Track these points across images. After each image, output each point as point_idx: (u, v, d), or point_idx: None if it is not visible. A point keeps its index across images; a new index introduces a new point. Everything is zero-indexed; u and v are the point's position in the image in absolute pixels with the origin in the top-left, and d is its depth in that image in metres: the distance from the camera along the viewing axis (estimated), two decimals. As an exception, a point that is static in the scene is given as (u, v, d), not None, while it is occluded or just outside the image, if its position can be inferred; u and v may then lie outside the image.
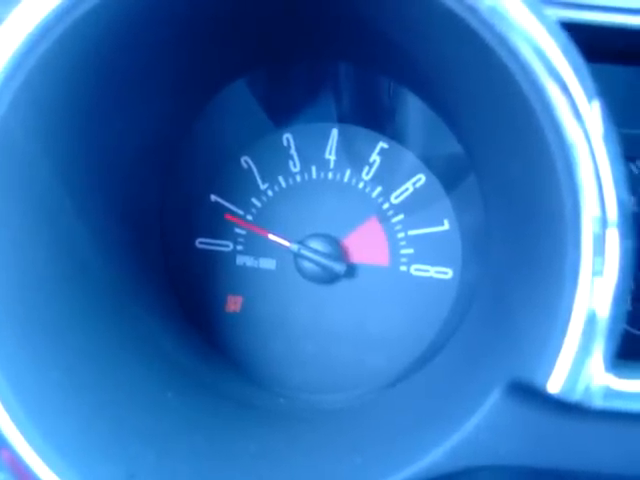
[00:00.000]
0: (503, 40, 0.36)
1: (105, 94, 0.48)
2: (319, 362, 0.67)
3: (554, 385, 0.35)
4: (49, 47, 0.40)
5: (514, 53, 0.36)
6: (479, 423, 0.36)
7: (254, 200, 0.67)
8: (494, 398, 0.36)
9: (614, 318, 0.35)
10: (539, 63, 0.35)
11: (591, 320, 0.35)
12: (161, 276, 0.66)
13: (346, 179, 0.67)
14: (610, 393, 0.35)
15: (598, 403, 0.35)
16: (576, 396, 0.35)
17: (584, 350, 0.35)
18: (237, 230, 0.68)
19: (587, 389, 0.35)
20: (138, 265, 0.60)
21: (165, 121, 0.62)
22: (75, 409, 0.42)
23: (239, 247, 0.68)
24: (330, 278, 0.65)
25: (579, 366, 0.35)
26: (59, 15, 0.39)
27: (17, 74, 0.40)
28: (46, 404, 0.40)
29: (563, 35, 0.36)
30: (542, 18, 0.36)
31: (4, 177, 0.41)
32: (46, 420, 0.40)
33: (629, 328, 0.65)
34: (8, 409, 0.39)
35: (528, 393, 0.35)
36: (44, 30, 0.39)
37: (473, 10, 0.36)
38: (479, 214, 0.60)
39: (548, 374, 0.35)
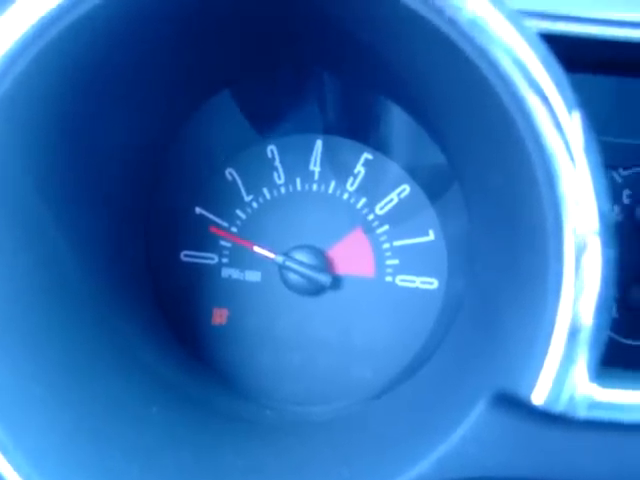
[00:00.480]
0: (483, 52, 0.36)
1: (87, 108, 0.48)
2: (306, 374, 0.67)
3: (538, 396, 0.35)
4: (29, 63, 0.40)
5: (494, 65, 0.36)
6: (465, 435, 0.36)
7: (239, 212, 0.67)
8: (479, 409, 0.36)
9: (597, 327, 0.35)
10: (519, 75, 0.36)
11: (574, 330, 0.35)
12: (146, 289, 0.66)
13: (331, 190, 0.67)
14: (594, 403, 0.35)
15: (582, 413, 0.35)
16: (560, 407, 0.35)
17: (568, 360, 0.35)
18: (222, 242, 0.68)
19: (571, 399, 0.35)
20: (122, 278, 0.60)
21: (149, 133, 0.62)
22: (56, 424, 0.41)
23: (224, 259, 0.68)
24: (316, 290, 0.65)
25: (563, 376, 0.35)
26: (39, 29, 0.39)
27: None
28: (26, 419, 0.40)
29: (543, 46, 0.36)
30: (522, 30, 0.36)
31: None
32: (26, 435, 0.39)
33: (616, 336, 0.65)
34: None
35: (513, 404, 0.35)
36: (24, 44, 0.39)
37: (453, 22, 0.36)
38: (464, 224, 0.60)
39: (532, 385, 0.35)
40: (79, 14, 0.39)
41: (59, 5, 0.39)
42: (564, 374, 0.35)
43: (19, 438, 0.39)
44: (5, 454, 0.38)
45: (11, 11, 0.39)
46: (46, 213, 0.47)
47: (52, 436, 0.40)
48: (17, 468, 0.38)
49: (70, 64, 0.42)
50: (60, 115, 0.45)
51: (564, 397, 0.35)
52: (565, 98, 0.36)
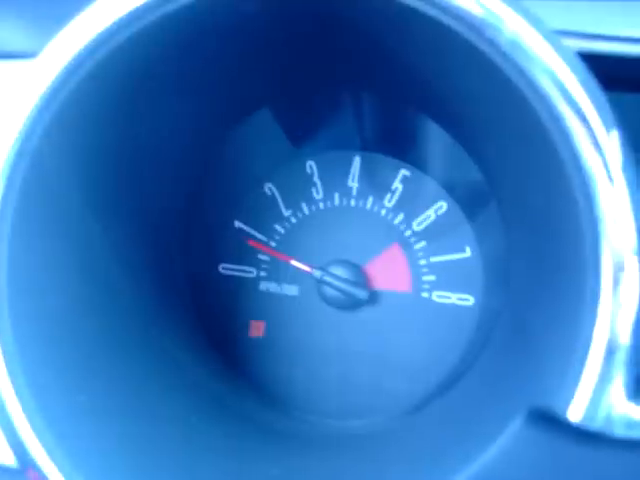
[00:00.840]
0: (522, 72, 0.36)
1: (134, 124, 0.49)
2: (341, 388, 0.67)
3: (575, 413, 0.35)
4: (82, 78, 0.41)
5: (533, 85, 0.36)
6: (500, 451, 0.36)
7: (277, 226, 0.68)
8: (515, 426, 0.36)
9: (635, 346, 0.35)
10: (558, 94, 0.36)
11: (611, 348, 0.35)
12: (185, 301, 0.67)
13: (368, 206, 0.67)
14: (631, 422, 0.35)
15: (619, 432, 0.35)
16: (597, 424, 0.35)
17: (604, 378, 0.35)
18: (260, 256, 0.69)
19: (608, 418, 0.35)
20: (163, 291, 0.61)
21: (191, 149, 0.63)
22: (101, 433, 0.42)
23: (262, 273, 0.69)
24: (352, 304, 0.66)
25: (599, 394, 0.35)
26: (92, 48, 0.41)
27: (51, 104, 0.41)
28: (73, 428, 0.41)
29: (581, 66, 0.36)
30: (561, 50, 0.36)
31: (35, 205, 0.42)
32: (74, 443, 0.40)
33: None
34: (37, 432, 0.39)
35: (549, 421, 0.35)
36: (79, 61, 0.41)
37: (493, 43, 0.36)
38: (500, 241, 0.60)
39: (568, 402, 0.35)
40: (142, 25, 0.41)
41: (121, 18, 0.40)
42: (601, 392, 0.35)
43: (67, 446, 0.40)
44: (54, 461, 0.39)
45: (81, 16, 0.40)
46: (94, 227, 0.48)
47: (98, 444, 0.42)
48: (65, 475, 0.39)
49: (123, 75, 0.43)
50: (112, 130, 0.46)
51: (601, 415, 0.35)
52: (603, 117, 0.36)
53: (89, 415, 0.43)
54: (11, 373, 0.40)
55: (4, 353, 0.41)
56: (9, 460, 0.46)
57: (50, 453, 0.39)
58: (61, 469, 0.39)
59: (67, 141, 0.43)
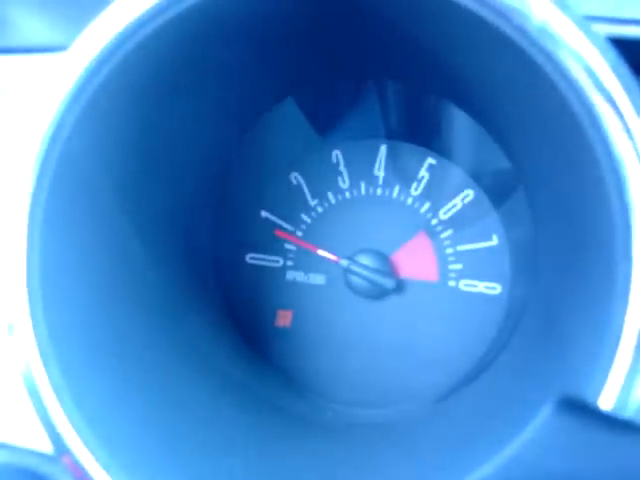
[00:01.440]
0: (552, 59, 0.36)
1: (164, 114, 0.50)
2: (367, 377, 0.67)
3: (606, 401, 0.35)
4: (112, 69, 0.42)
5: (563, 71, 0.36)
6: (529, 440, 0.36)
7: (304, 216, 0.68)
8: (545, 413, 0.36)
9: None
10: (588, 80, 0.36)
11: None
12: (213, 291, 0.67)
13: (395, 195, 0.67)
14: (663, 410, 0.35)
15: (651, 420, 0.35)
16: (629, 413, 0.35)
17: (636, 366, 0.35)
18: (287, 246, 0.69)
19: (640, 406, 0.35)
20: (191, 281, 0.62)
21: (217, 139, 0.64)
22: (133, 418, 0.43)
23: (289, 262, 0.69)
24: (379, 293, 0.66)
25: (631, 381, 0.35)
26: (120, 41, 0.41)
27: (81, 97, 0.42)
28: (105, 413, 0.42)
29: (612, 51, 0.36)
30: (591, 35, 0.36)
31: (68, 197, 0.43)
32: (106, 429, 0.41)
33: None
34: (70, 418, 0.40)
35: (579, 409, 0.35)
36: (109, 52, 0.41)
37: (522, 30, 0.36)
38: (528, 229, 0.60)
39: (599, 390, 0.35)
40: (169, 17, 0.41)
41: (148, 10, 0.41)
42: (632, 380, 0.35)
43: (100, 431, 0.40)
44: (88, 447, 0.40)
45: (109, 9, 0.41)
46: (123, 218, 0.49)
47: (128, 430, 0.42)
48: (100, 462, 0.40)
49: (152, 67, 0.44)
50: (141, 121, 0.47)
51: (632, 403, 0.35)
52: (634, 103, 0.35)
53: (121, 400, 0.43)
54: (44, 359, 0.41)
55: (37, 339, 0.41)
56: (47, 447, 0.46)
57: (83, 439, 0.40)
58: (95, 455, 0.40)
59: (97, 134, 0.43)
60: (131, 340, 0.47)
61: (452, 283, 0.66)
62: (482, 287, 0.65)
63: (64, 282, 0.43)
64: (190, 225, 0.63)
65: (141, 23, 0.41)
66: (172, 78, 0.47)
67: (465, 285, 0.66)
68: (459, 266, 0.66)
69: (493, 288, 0.65)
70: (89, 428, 0.40)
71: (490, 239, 0.65)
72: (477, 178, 0.66)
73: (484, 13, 0.37)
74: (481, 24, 0.38)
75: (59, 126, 0.41)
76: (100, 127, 0.43)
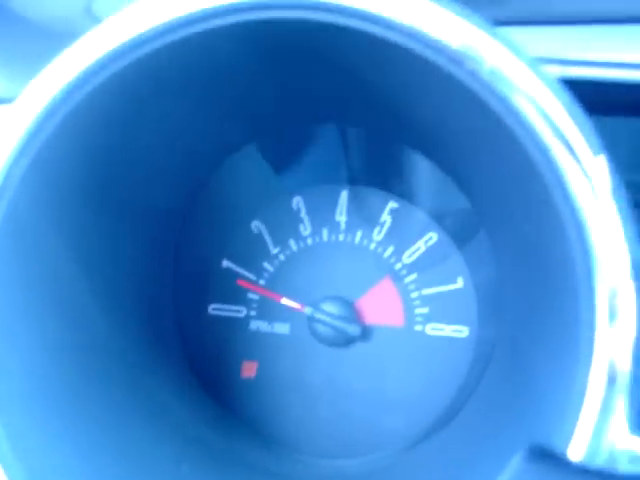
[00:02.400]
0: (505, 101, 0.36)
1: (117, 163, 0.49)
2: (337, 426, 0.66)
3: (576, 451, 0.34)
4: (59, 122, 0.41)
5: (516, 114, 0.36)
6: (501, 491, 0.35)
7: (266, 264, 0.67)
8: (514, 464, 0.35)
9: (636, 376, 0.34)
10: (542, 122, 0.35)
11: (611, 380, 0.34)
12: (174, 343, 0.66)
13: (357, 240, 0.67)
14: (635, 457, 0.34)
15: (623, 468, 0.34)
16: (599, 462, 0.34)
17: (605, 411, 0.34)
18: (250, 295, 0.68)
19: (611, 453, 0.34)
20: (151, 333, 0.60)
21: (175, 189, 0.63)
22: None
23: (252, 312, 0.67)
24: (345, 341, 0.65)
25: (601, 429, 0.34)
26: (68, 92, 0.40)
27: (28, 150, 0.41)
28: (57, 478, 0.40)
29: (565, 92, 0.36)
30: (543, 77, 0.36)
31: (14, 254, 0.41)
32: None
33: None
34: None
35: (550, 459, 0.34)
36: (57, 104, 0.40)
37: (474, 74, 0.36)
38: (492, 270, 0.60)
39: (569, 439, 0.34)
40: (110, 73, 0.40)
41: (101, 58, 0.40)
42: (602, 426, 0.34)
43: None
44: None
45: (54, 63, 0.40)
46: (76, 271, 0.47)
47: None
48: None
49: (99, 125, 0.43)
50: (90, 174, 0.46)
51: (603, 451, 0.34)
52: (589, 143, 0.35)
53: (76, 464, 0.41)
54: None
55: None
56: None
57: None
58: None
59: (45, 189, 0.42)
60: (83, 401, 0.45)
61: (419, 327, 0.65)
62: (449, 330, 0.65)
63: (13, 336, 0.41)
64: (149, 276, 0.62)
65: (88, 76, 0.40)
66: (123, 129, 0.46)
67: (432, 329, 0.65)
68: (425, 310, 0.65)
69: (460, 331, 0.64)
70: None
71: (455, 282, 0.65)
72: (440, 220, 0.65)
73: (436, 59, 0.37)
74: (435, 70, 0.38)
75: (3, 184, 0.40)
76: (48, 182, 0.42)
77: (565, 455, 0.34)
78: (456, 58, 0.36)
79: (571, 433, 0.34)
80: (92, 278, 0.50)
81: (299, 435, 0.66)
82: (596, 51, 0.44)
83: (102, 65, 0.40)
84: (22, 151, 0.40)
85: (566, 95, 0.36)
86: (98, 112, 0.42)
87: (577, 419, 0.34)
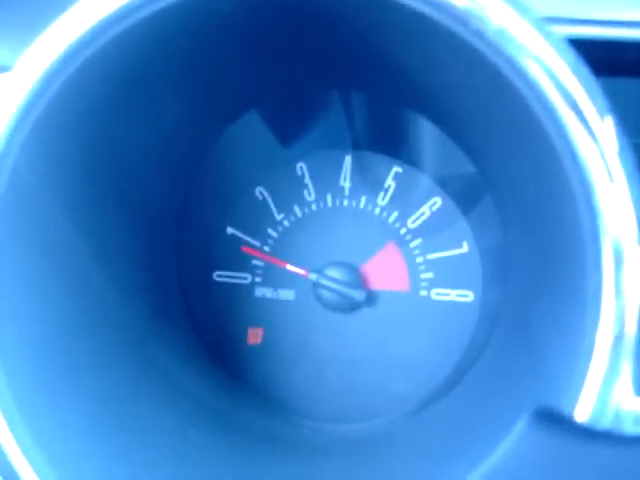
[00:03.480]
0: (511, 62, 0.35)
1: (118, 131, 0.48)
2: (342, 391, 0.66)
3: (582, 412, 0.34)
4: (60, 88, 0.40)
5: (523, 74, 0.35)
6: (506, 452, 0.35)
7: (270, 231, 0.67)
8: (520, 426, 0.35)
9: (641, 339, 0.34)
10: (549, 82, 0.35)
11: (617, 341, 0.34)
12: (179, 311, 0.66)
13: (362, 205, 0.66)
14: (641, 418, 0.34)
15: (628, 429, 0.34)
16: (605, 423, 0.34)
17: (611, 373, 0.34)
18: (255, 262, 0.68)
19: (617, 415, 0.34)
20: (156, 302, 0.60)
21: (179, 155, 0.62)
22: (94, 452, 0.41)
23: (257, 279, 0.67)
24: (350, 306, 0.65)
25: (607, 391, 0.34)
26: (70, 55, 0.40)
27: (28, 117, 0.40)
28: (65, 448, 0.40)
29: (571, 52, 0.35)
30: (549, 36, 0.35)
31: (16, 222, 0.41)
32: (65, 464, 0.39)
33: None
34: (27, 455, 0.38)
35: (555, 420, 0.34)
36: (54, 71, 0.40)
37: (479, 34, 0.35)
38: (498, 235, 0.59)
39: (575, 401, 0.34)
40: (121, 29, 0.40)
41: (103, 19, 0.39)
42: (608, 389, 0.34)
43: (58, 466, 0.39)
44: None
45: (55, 24, 0.39)
46: (80, 240, 0.47)
47: (91, 464, 0.40)
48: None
49: (103, 81, 0.42)
50: (93, 137, 0.45)
51: (609, 413, 0.34)
52: (596, 103, 0.35)
53: (82, 433, 0.41)
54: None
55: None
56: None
57: (41, 474, 0.38)
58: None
59: (46, 156, 0.42)
60: (90, 369, 0.45)
61: (424, 292, 0.65)
62: (454, 295, 0.65)
63: (14, 314, 0.41)
64: (152, 244, 0.62)
65: (95, 33, 0.40)
66: (124, 94, 0.45)
67: (437, 294, 0.65)
68: (430, 275, 0.65)
69: (465, 296, 0.64)
70: (48, 464, 0.38)
71: (460, 246, 0.65)
72: (444, 185, 0.65)
73: (442, 19, 0.36)
74: (440, 30, 0.37)
75: (5, 151, 0.39)
76: (47, 150, 0.41)
77: (571, 417, 0.34)
78: (461, 17, 0.35)
79: (577, 395, 0.34)
80: (94, 248, 0.49)
81: (305, 400, 0.66)
82: (604, 10, 0.44)
83: (102, 28, 0.39)
84: (22, 118, 0.39)
85: (573, 55, 0.35)
86: (95, 81, 0.42)
87: (583, 381, 0.34)
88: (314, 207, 0.67)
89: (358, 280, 0.65)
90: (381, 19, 0.41)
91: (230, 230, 0.68)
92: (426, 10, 0.37)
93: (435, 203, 0.65)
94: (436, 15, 0.36)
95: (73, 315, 0.46)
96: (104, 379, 0.46)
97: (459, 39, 0.36)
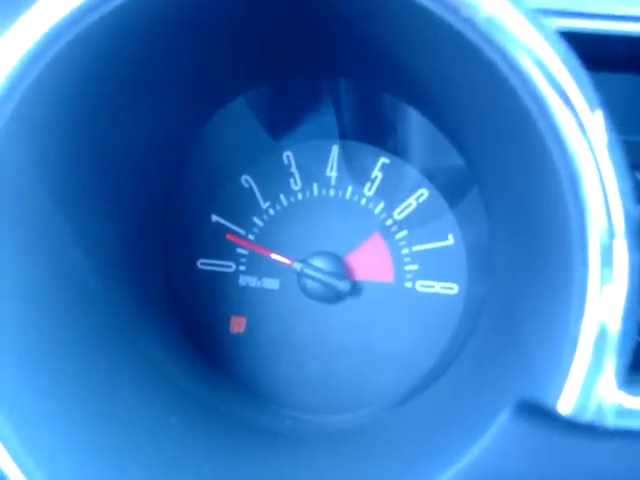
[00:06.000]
0: (501, 52, 0.35)
1: (103, 114, 0.48)
2: (326, 382, 0.66)
3: (565, 405, 0.34)
4: (47, 64, 0.39)
5: (513, 65, 0.35)
6: (488, 444, 0.35)
7: (256, 219, 0.67)
8: (503, 418, 0.35)
9: (625, 333, 0.34)
10: (539, 74, 0.35)
11: (601, 336, 0.34)
12: (163, 299, 0.65)
13: (348, 196, 0.66)
14: (623, 411, 0.34)
15: (611, 422, 0.34)
16: (588, 416, 0.34)
17: (595, 367, 0.34)
18: (239, 250, 0.67)
19: (599, 408, 0.34)
20: (139, 288, 0.60)
21: (164, 140, 0.62)
22: (73, 438, 0.41)
23: (242, 267, 0.67)
24: (334, 296, 0.64)
25: (590, 384, 0.34)
26: (60, 29, 0.39)
27: (13, 93, 0.39)
28: (42, 434, 0.39)
29: (563, 45, 0.35)
30: (541, 28, 0.35)
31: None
32: (43, 450, 0.39)
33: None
34: (5, 442, 0.38)
35: (538, 413, 0.34)
36: (45, 43, 0.39)
37: (470, 22, 0.35)
38: (484, 227, 0.59)
39: (558, 393, 0.34)
40: (98, 16, 0.39)
41: (79, 6, 0.38)
42: (591, 382, 0.34)
43: (36, 453, 0.38)
44: (22, 469, 0.38)
45: (31, 11, 0.38)
46: (62, 224, 0.46)
47: (69, 451, 0.40)
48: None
49: (84, 70, 0.42)
50: (75, 122, 0.44)
51: (592, 406, 0.34)
52: (587, 97, 0.35)
53: (60, 420, 0.41)
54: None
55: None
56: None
57: (19, 462, 0.37)
58: (30, 478, 0.37)
59: (31, 133, 0.41)
60: (73, 356, 0.45)
61: (409, 284, 0.65)
62: (439, 287, 0.64)
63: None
64: (137, 231, 0.61)
65: (75, 19, 0.39)
66: (108, 81, 0.44)
67: (422, 286, 0.65)
68: (415, 267, 0.65)
69: (450, 288, 0.64)
70: (25, 451, 0.38)
71: (446, 239, 0.65)
72: (431, 177, 0.65)
73: (432, 5, 0.36)
74: (429, 18, 0.37)
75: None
76: (28, 139, 0.41)
77: (554, 409, 0.34)
78: (452, 5, 0.35)
79: (560, 388, 0.34)
80: (78, 231, 0.49)
81: (288, 391, 0.66)
82: (597, 3, 0.43)
83: (89, 8, 0.38)
84: (6, 94, 0.39)
85: (564, 47, 0.35)
86: (77, 68, 0.41)
87: (567, 374, 0.34)
88: (300, 196, 0.67)
89: (343, 270, 0.64)
90: (371, 6, 0.41)
91: (215, 218, 0.67)
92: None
93: (422, 195, 0.65)
94: (427, 2, 0.36)
95: (54, 301, 0.45)
96: (84, 366, 0.45)
97: (449, 27, 0.36)
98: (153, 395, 0.51)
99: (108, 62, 0.43)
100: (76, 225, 0.48)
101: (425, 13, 0.36)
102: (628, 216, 0.34)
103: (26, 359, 0.42)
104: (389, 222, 0.65)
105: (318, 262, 0.64)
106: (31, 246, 0.44)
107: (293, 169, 0.67)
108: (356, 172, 0.66)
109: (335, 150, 0.66)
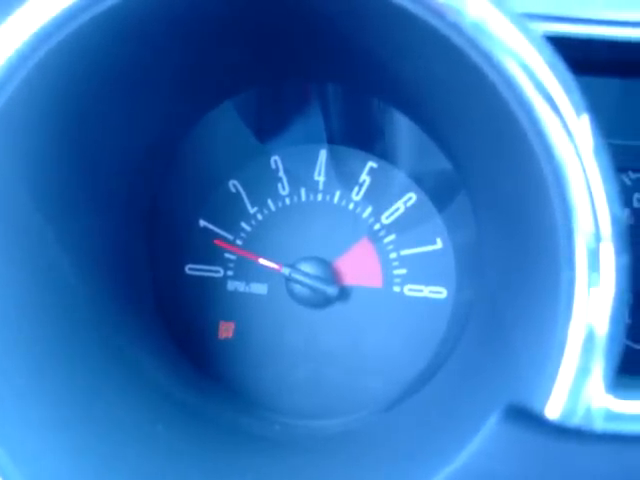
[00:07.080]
0: (488, 56, 0.35)
1: (87, 116, 0.47)
2: (314, 387, 0.66)
3: (553, 410, 0.34)
4: (31, 69, 0.39)
5: (500, 69, 0.35)
6: (477, 449, 0.35)
7: (243, 224, 0.67)
8: (491, 423, 0.35)
9: (613, 336, 0.34)
10: (526, 79, 0.35)
11: (589, 339, 0.34)
12: (150, 304, 0.65)
13: (336, 200, 0.66)
14: (611, 415, 0.34)
15: (599, 426, 0.34)
16: (576, 420, 0.34)
17: (582, 371, 0.34)
18: (227, 255, 0.67)
19: (587, 412, 0.34)
20: (126, 294, 0.59)
21: (151, 145, 0.61)
22: (59, 447, 0.40)
23: (230, 272, 0.67)
24: (323, 301, 0.64)
25: (578, 388, 0.34)
26: (46, 34, 0.39)
27: (0, 93, 0.39)
28: (27, 442, 0.39)
29: (549, 49, 0.35)
30: (527, 32, 0.35)
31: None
32: (28, 459, 0.38)
33: (629, 343, 0.64)
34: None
35: (526, 418, 0.34)
36: (32, 47, 0.39)
37: (456, 27, 0.35)
38: (472, 232, 0.59)
39: (546, 398, 0.34)
40: (85, 19, 0.39)
41: (70, 6, 0.38)
42: (579, 386, 0.34)
43: (21, 461, 0.38)
44: (6, 478, 0.37)
45: (22, 11, 0.38)
46: (46, 228, 0.46)
47: (55, 459, 0.40)
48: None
49: (72, 71, 0.41)
50: (60, 122, 0.44)
51: (580, 410, 0.34)
52: (573, 101, 0.35)
53: (46, 426, 0.41)
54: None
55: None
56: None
57: (3, 471, 0.37)
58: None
59: (15, 137, 0.40)
60: (57, 362, 0.44)
61: (397, 288, 0.65)
62: (427, 292, 0.64)
63: None
64: (125, 237, 0.61)
65: (60, 22, 0.38)
66: (94, 84, 0.44)
67: (410, 290, 0.65)
68: (403, 271, 0.65)
69: (439, 292, 0.64)
70: (9, 459, 0.37)
71: (434, 243, 0.65)
72: (419, 181, 0.65)
73: (418, 10, 0.36)
74: (416, 22, 0.37)
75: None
76: (14, 139, 0.40)
77: (542, 414, 0.34)
78: (438, 9, 0.35)
79: (548, 392, 0.34)
80: (64, 235, 0.48)
81: (276, 396, 0.66)
82: (583, 8, 0.44)
83: (81, 8, 0.38)
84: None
85: (550, 51, 0.35)
86: (68, 62, 0.41)
87: (554, 379, 0.34)
88: (288, 201, 0.66)
89: (331, 275, 0.64)
90: (358, 11, 0.41)
91: (203, 223, 0.67)
92: (403, 1, 0.36)
93: (410, 199, 0.65)
94: (413, 7, 0.36)
95: (39, 306, 0.44)
96: (70, 370, 0.45)
97: (436, 32, 0.36)
98: (138, 401, 0.51)
99: (95, 63, 0.42)
100: (58, 225, 0.48)
101: (411, 18, 0.36)
102: (615, 219, 0.34)
103: (8, 363, 0.41)
104: (377, 226, 0.65)
105: (306, 267, 0.64)
106: (16, 252, 0.43)
107: (281, 174, 0.66)
108: (344, 176, 0.66)
109: (323, 154, 0.66)
